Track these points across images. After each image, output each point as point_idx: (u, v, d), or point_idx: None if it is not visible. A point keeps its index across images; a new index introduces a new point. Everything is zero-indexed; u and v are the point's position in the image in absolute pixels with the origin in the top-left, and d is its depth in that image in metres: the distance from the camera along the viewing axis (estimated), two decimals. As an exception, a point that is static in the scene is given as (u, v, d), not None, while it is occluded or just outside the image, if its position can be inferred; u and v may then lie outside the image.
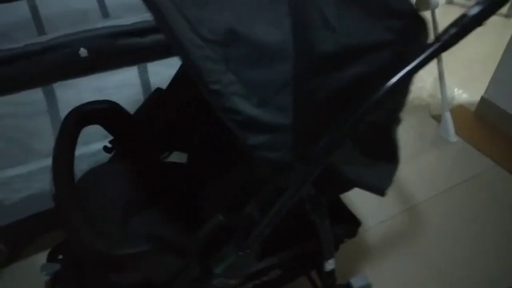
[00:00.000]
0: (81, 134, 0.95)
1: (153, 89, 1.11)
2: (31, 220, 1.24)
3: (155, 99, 1.06)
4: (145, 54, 1.09)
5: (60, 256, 1.03)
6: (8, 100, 1.04)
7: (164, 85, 1.06)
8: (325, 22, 0.57)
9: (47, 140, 1.19)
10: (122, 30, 1.02)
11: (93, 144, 1.22)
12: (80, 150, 0.97)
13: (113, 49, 1.03)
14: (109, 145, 1.06)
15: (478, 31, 0.55)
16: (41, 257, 1.15)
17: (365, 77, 0.60)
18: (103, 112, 0.99)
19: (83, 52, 0.99)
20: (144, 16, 1.05)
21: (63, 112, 0.98)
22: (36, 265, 1.17)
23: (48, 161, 1.00)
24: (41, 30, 1.50)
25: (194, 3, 0.57)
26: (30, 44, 0.95)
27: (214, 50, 0.55)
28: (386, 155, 0.72)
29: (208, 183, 1.04)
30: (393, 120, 0.69)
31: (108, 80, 1.25)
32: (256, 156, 0.59)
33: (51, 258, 1.06)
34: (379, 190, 0.71)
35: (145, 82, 1.22)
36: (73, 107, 0.96)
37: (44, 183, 1.24)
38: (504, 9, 2.45)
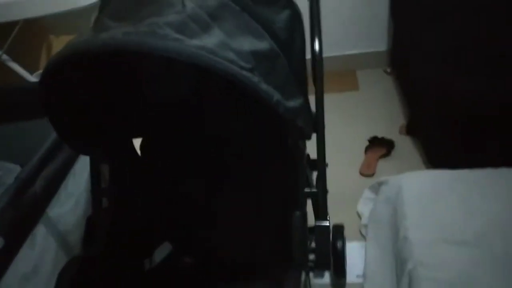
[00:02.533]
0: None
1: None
2: None
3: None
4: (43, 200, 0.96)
5: None
6: None
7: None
8: (270, 21, 0.79)
9: None
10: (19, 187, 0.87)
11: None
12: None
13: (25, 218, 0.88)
14: None
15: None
16: None
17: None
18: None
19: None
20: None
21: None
22: None
23: None
24: None
25: (223, 44, 0.65)
26: None
27: (255, 74, 0.65)
28: None
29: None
30: None
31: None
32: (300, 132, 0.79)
33: None
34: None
35: (58, 234, 1.02)
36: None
37: None
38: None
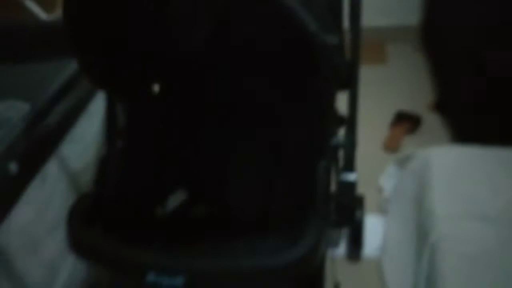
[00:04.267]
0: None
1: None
2: None
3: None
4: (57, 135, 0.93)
5: None
6: None
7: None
8: None
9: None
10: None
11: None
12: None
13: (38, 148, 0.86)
14: None
15: None
16: None
17: None
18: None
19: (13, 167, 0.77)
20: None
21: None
22: None
23: None
24: None
25: None
26: None
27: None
28: None
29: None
30: None
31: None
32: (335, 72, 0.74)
33: None
34: None
35: (69, 175, 0.99)
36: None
37: None
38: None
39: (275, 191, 0.91)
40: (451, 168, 1.30)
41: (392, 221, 1.37)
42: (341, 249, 1.36)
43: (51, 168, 0.90)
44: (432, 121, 1.75)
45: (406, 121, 1.73)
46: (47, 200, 0.89)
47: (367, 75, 1.95)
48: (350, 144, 0.83)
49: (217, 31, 0.84)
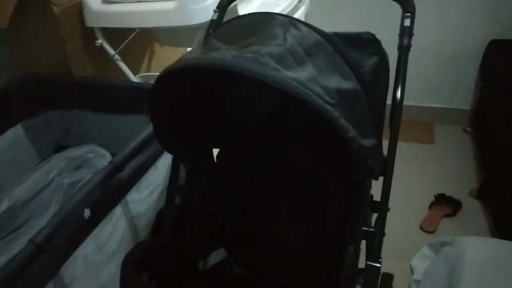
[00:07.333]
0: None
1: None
2: None
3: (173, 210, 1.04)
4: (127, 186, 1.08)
5: None
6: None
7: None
8: (359, 64, 0.88)
9: None
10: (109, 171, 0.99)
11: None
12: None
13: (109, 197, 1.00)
14: None
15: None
16: None
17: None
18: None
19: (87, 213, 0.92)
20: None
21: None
22: None
23: None
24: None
25: (312, 79, 0.72)
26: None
27: (337, 109, 0.71)
28: None
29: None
30: None
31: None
32: (369, 171, 0.82)
33: None
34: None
35: (129, 217, 1.12)
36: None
37: None
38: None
39: (307, 266, 0.99)
40: (486, 260, 1.30)
41: (418, 304, 1.39)
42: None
43: (116, 210, 1.04)
44: (473, 209, 1.77)
45: (446, 205, 1.76)
46: (108, 237, 1.02)
47: (413, 153, 2.05)
48: (379, 233, 0.90)
49: (272, 112, 0.99)
